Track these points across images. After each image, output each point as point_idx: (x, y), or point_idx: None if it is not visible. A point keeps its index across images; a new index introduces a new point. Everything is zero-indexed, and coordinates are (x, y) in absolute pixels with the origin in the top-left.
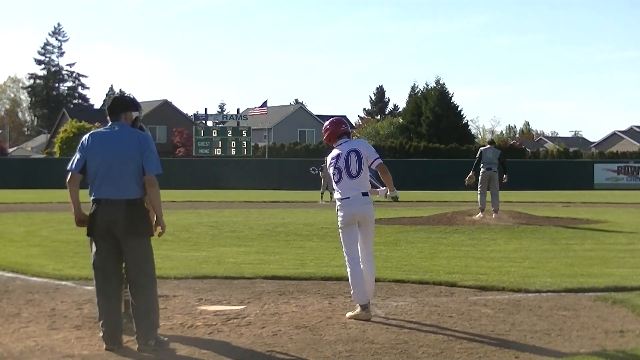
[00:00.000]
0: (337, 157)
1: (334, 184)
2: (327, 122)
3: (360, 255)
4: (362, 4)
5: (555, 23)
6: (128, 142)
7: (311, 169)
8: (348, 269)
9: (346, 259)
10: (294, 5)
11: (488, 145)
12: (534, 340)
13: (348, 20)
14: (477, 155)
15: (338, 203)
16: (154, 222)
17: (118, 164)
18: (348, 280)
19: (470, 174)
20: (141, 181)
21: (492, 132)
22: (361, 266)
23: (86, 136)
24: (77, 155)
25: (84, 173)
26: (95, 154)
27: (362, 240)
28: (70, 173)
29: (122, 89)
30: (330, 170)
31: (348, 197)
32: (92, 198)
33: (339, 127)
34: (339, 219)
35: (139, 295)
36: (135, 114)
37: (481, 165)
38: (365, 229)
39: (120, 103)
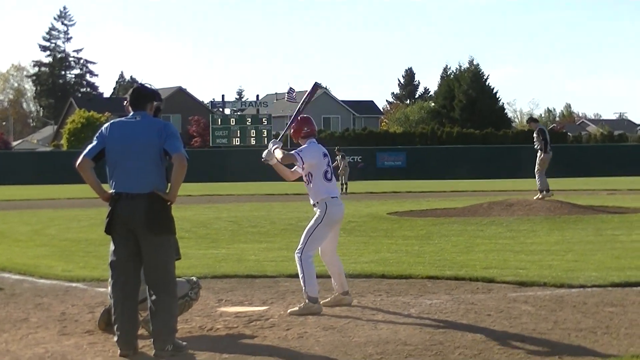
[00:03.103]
0: (327, 155)
1: (323, 180)
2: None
3: (328, 252)
4: None
5: None
6: (149, 131)
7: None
8: (305, 265)
9: (305, 254)
10: None
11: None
12: (579, 340)
13: None
14: (543, 136)
15: (329, 200)
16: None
17: (139, 153)
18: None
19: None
20: (164, 172)
21: (531, 115)
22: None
23: (106, 125)
24: (93, 142)
25: (96, 161)
26: (115, 143)
27: (334, 238)
28: (82, 157)
29: (134, 76)
30: (324, 166)
31: (337, 197)
32: (112, 192)
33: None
34: (329, 216)
35: (158, 298)
36: (157, 104)
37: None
38: (338, 227)
39: (142, 94)
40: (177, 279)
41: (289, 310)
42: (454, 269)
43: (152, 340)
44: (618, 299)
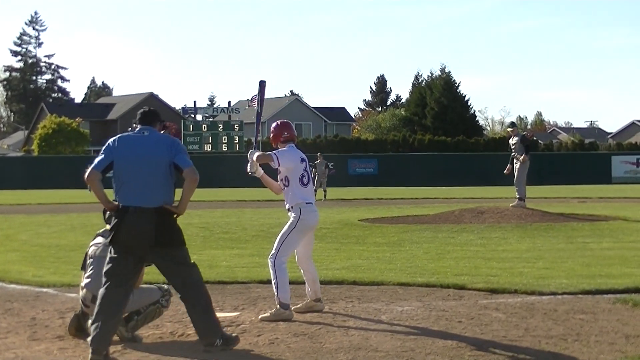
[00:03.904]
0: (305, 160)
1: (299, 185)
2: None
3: (303, 258)
4: None
5: (568, 6)
6: (159, 145)
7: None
8: (278, 270)
9: (279, 260)
10: None
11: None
12: (550, 346)
13: (346, 4)
14: (526, 143)
15: (304, 206)
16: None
17: (149, 168)
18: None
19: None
20: (172, 187)
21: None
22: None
23: (114, 138)
24: (101, 156)
25: (104, 174)
26: (123, 156)
27: (309, 243)
28: (90, 169)
29: (105, 82)
30: (301, 170)
31: (312, 203)
32: (119, 205)
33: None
34: (303, 222)
35: (194, 296)
36: (163, 124)
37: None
38: (312, 233)
39: (153, 112)
40: (148, 285)
41: (260, 316)
42: (425, 275)
43: (198, 338)
44: (588, 306)
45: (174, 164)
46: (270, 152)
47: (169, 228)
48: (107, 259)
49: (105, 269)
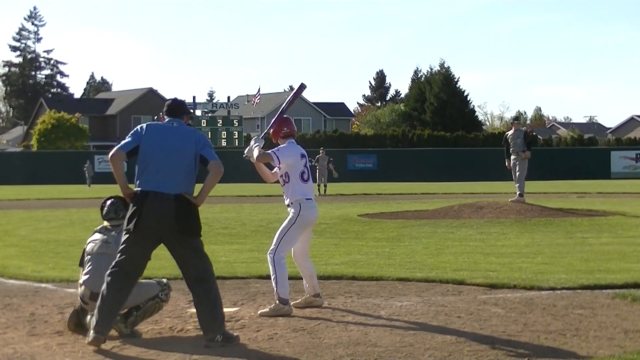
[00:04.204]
0: (306, 156)
1: (300, 181)
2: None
3: (300, 255)
4: None
5: (567, 2)
6: (188, 137)
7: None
8: (277, 266)
9: (278, 255)
10: None
11: None
12: (548, 342)
13: (345, 0)
14: (529, 139)
15: (303, 202)
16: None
17: (175, 157)
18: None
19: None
20: (194, 179)
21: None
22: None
23: (142, 125)
24: (128, 139)
25: (129, 156)
26: (151, 143)
27: (307, 240)
28: (116, 149)
29: (104, 77)
30: (301, 166)
31: (312, 199)
32: (138, 190)
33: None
34: (302, 218)
35: (204, 291)
36: (189, 116)
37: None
38: (311, 229)
39: (179, 105)
40: (147, 280)
41: (259, 312)
42: (424, 271)
43: (202, 332)
44: (587, 301)
45: (200, 157)
46: (269, 151)
47: (191, 215)
48: (121, 248)
49: (118, 258)
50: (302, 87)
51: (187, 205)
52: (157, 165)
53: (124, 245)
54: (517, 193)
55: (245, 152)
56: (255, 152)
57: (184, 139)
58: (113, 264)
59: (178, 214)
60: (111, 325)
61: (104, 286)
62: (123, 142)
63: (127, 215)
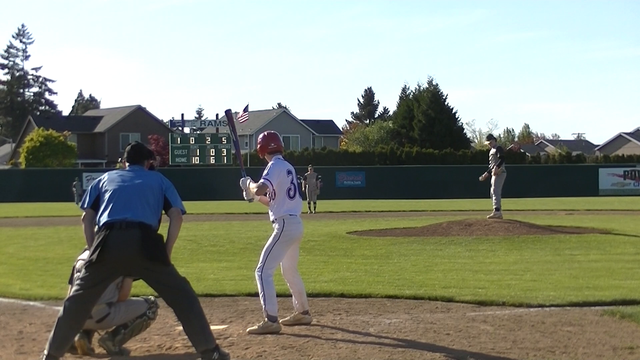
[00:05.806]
0: (292, 172)
1: (286, 198)
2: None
3: (289, 270)
4: (348, 0)
5: (555, 19)
6: (149, 178)
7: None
8: (265, 283)
9: (265, 272)
10: (276, 3)
11: None
12: (537, 359)
13: (334, 18)
14: (501, 155)
15: (287, 218)
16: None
17: (137, 189)
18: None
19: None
20: (159, 214)
21: (491, 133)
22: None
23: (103, 175)
24: (89, 192)
25: (95, 208)
26: (112, 184)
27: (294, 256)
28: (83, 210)
29: (93, 95)
30: (287, 183)
31: (297, 215)
32: (102, 223)
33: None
34: (286, 234)
35: (187, 305)
36: (151, 162)
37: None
38: (297, 245)
39: (140, 150)
40: (135, 298)
41: (248, 329)
42: (413, 288)
43: (192, 345)
44: (576, 318)
45: (164, 197)
46: (261, 181)
47: (157, 243)
48: (83, 276)
49: (77, 286)
50: (228, 112)
51: (152, 233)
52: (121, 198)
53: (86, 274)
54: (494, 208)
55: (245, 197)
56: (253, 188)
57: (147, 177)
58: (72, 291)
59: (144, 239)
60: (65, 350)
61: (61, 311)
62: (86, 198)
63: (92, 247)
